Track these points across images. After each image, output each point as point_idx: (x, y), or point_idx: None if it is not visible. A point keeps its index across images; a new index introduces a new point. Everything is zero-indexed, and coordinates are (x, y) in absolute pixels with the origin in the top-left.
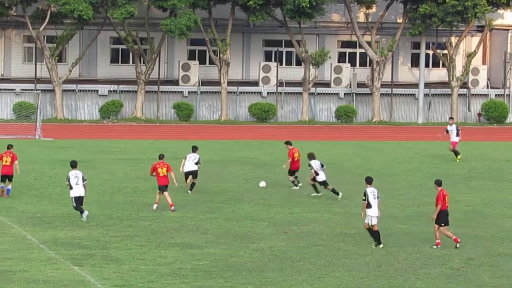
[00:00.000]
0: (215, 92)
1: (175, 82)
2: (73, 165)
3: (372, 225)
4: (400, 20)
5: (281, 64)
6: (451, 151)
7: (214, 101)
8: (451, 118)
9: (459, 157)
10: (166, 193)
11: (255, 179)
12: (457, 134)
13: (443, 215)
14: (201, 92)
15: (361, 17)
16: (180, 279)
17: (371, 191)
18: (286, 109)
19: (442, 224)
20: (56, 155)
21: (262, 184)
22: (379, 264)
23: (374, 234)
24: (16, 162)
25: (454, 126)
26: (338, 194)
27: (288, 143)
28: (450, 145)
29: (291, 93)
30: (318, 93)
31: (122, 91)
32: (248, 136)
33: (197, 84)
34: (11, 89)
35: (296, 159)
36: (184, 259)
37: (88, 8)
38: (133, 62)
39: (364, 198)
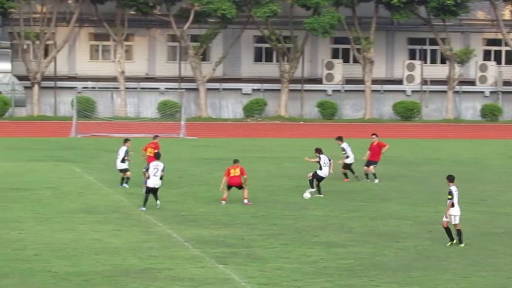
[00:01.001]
0: (359, 90)
1: (319, 81)
2: (157, 156)
3: (454, 224)
4: None
5: (425, 62)
6: None
7: (358, 99)
8: None
9: None
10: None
11: (399, 177)
12: None
13: None
14: (345, 90)
15: (507, 15)
16: (325, 278)
17: (455, 189)
18: (430, 107)
19: None
20: (200, 154)
21: (306, 195)
22: None
23: (458, 233)
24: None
25: None
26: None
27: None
28: None
29: (435, 91)
30: (463, 91)
31: (265, 89)
32: (393, 134)
33: (340, 82)
34: (156, 88)
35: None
36: (328, 257)
37: (231, 7)
38: (276, 61)
39: (450, 197)
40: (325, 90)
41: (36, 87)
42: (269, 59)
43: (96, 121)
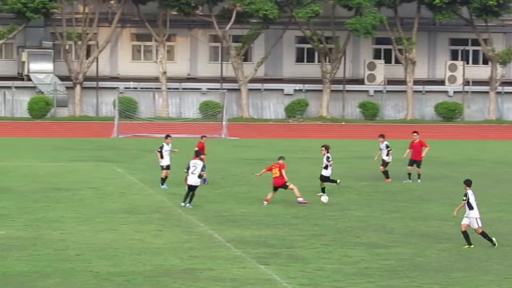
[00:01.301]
0: (401, 91)
1: (361, 81)
2: (197, 154)
3: (475, 229)
4: None
5: (467, 63)
6: None
7: (399, 100)
8: None
9: None
10: (291, 186)
11: (441, 178)
12: None
13: None
14: (387, 91)
15: None
16: (366, 279)
17: (471, 193)
18: (472, 108)
19: None
20: (241, 154)
21: (324, 199)
22: None
23: (484, 236)
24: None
25: None
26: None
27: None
28: None
29: (477, 92)
30: (506, 92)
31: (307, 90)
32: (434, 135)
33: (382, 83)
34: (198, 89)
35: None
36: (370, 258)
37: (273, 7)
38: (318, 61)
39: (465, 198)
40: (367, 91)
41: (78, 87)
42: (311, 59)
43: (137, 121)
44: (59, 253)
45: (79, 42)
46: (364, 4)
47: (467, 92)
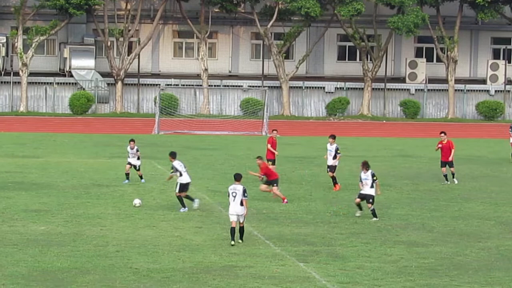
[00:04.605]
0: (442, 89)
1: (402, 80)
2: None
3: None
4: None
5: (509, 62)
6: None
7: (441, 98)
8: None
9: None
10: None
11: (482, 177)
12: None
13: None
14: (428, 89)
15: None
16: (406, 277)
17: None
18: None
19: None
20: (282, 152)
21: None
22: None
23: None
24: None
25: None
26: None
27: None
28: None
29: None
30: None
31: (348, 88)
32: (475, 134)
33: (424, 81)
34: (239, 86)
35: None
36: (409, 257)
37: (315, 5)
38: (360, 59)
39: None
40: (408, 89)
41: (119, 83)
42: (352, 57)
43: (178, 118)
44: (99, 249)
45: (121, 39)
46: (406, 2)
47: (508, 91)
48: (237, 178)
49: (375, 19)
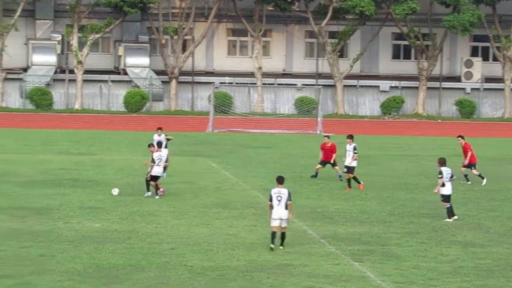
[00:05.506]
0: (499, 89)
1: (457, 79)
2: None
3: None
4: None
5: None
6: None
7: (497, 98)
8: None
9: None
10: None
11: None
12: None
13: None
14: (484, 89)
15: None
16: (461, 278)
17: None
18: None
19: None
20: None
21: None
22: None
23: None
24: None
25: None
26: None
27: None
28: None
29: None
30: None
31: (403, 87)
32: None
33: (479, 80)
34: (293, 84)
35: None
36: (465, 257)
37: (370, 3)
38: (415, 58)
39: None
40: (463, 88)
41: (173, 81)
42: (407, 56)
43: (232, 116)
44: (154, 246)
45: (175, 37)
46: (462, 1)
47: None
48: (280, 181)
49: (430, 17)
